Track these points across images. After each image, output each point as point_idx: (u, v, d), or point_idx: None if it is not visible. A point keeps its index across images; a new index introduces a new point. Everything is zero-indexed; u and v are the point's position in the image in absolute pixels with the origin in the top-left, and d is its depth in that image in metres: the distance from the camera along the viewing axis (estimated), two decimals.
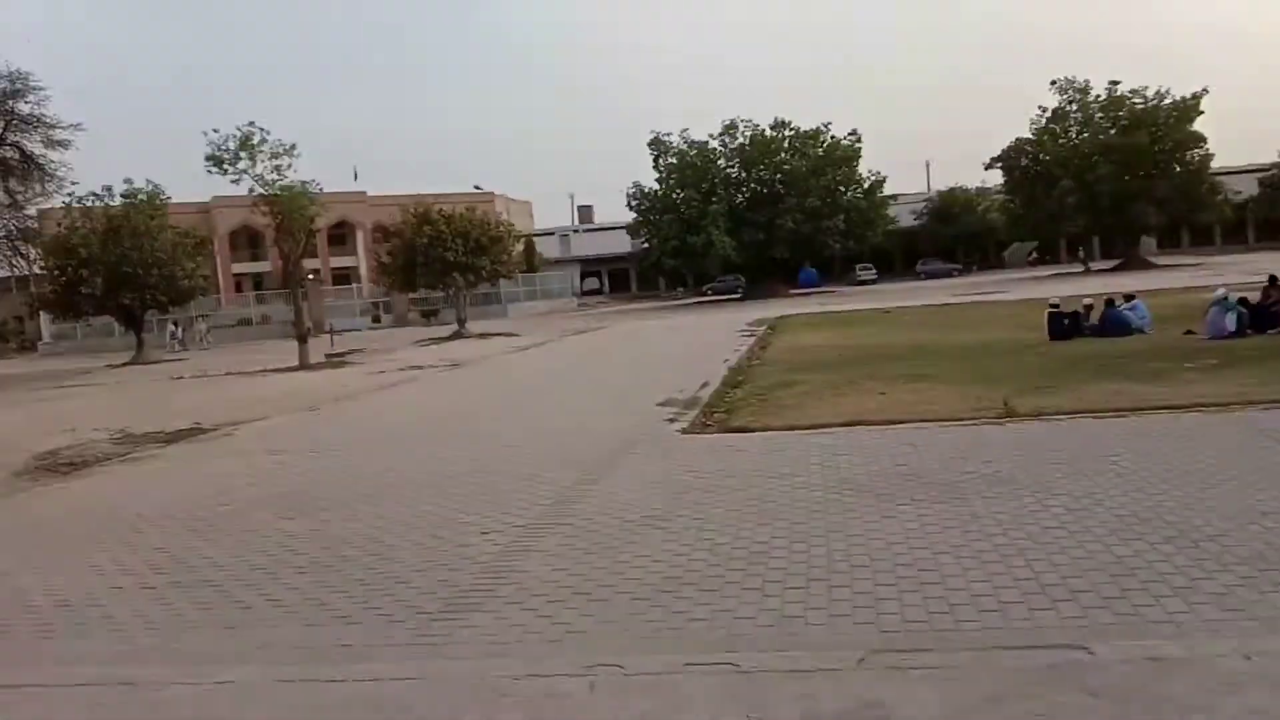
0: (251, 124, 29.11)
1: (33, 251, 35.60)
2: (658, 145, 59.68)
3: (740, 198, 59.71)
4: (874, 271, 68.86)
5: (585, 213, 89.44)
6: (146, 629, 5.68)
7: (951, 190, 74.96)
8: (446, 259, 39.50)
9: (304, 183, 30.29)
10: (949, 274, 67.44)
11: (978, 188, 72.25)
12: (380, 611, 5.64)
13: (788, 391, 13.49)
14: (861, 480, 7.84)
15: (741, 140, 60.22)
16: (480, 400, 15.76)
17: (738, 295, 62.99)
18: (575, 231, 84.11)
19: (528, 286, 62.17)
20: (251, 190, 29.84)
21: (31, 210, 35.43)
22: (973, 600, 4.98)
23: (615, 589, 5.67)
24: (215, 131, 28.72)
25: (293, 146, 29.56)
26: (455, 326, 41.43)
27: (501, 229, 41.43)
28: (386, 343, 39.79)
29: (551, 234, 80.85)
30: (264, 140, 29.00)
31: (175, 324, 48.66)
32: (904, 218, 69.86)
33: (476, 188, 69.28)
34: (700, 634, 4.89)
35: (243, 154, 28.96)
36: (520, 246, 49.89)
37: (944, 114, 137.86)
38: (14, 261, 35.74)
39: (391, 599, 5.84)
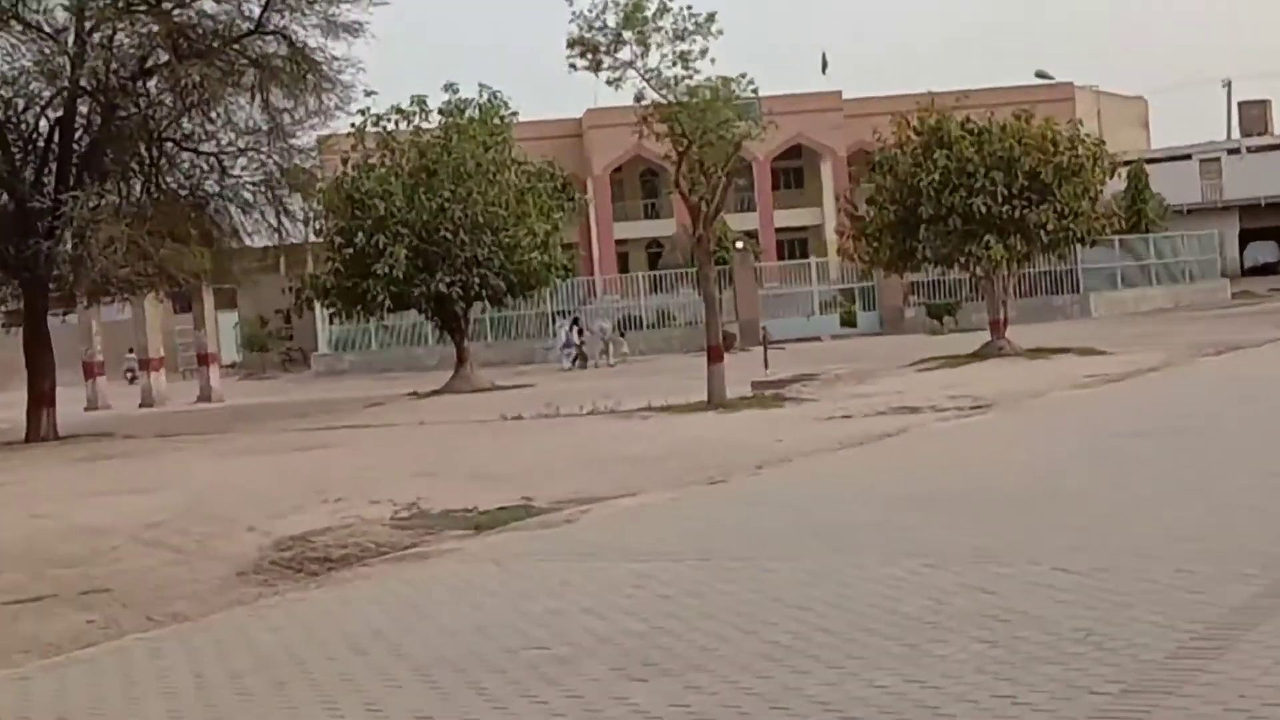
0: None
1: (303, 206, 27.62)
2: None
3: None
4: None
5: (1254, 116, 60.14)
6: None
7: None
8: (973, 209, 26.75)
9: (726, 80, 22.85)
10: None
11: None
12: None
13: None
14: None
15: None
16: (1016, 478, 11.76)
17: None
18: (1232, 152, 57.44)
19: (1128, 260, 43.82)
20: (641, 97, 23.69)
21: (304, 138, 26.71)
22: None
23: None
24: None
25: (711, 18, 22.53)
26: (986, 335, 29.08)
27: (1081, 150, 27.82)
28: (861, 362, 29.68)
29: (1186, 158, 55.30)
30: (664, 9, 22.50)
31: (575, 323, 36.48)
32: None
33: (1041, 76, 51.92)
34: None
35: (626, 33, 22.69)
36: (1119, 183, 36.80)
37: None
38: (279, 223, 26.88)
39: None
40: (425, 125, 28.32)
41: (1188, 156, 53.81)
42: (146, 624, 8.74)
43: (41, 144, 24.78)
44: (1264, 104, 59.07)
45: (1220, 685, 4.93)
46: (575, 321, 35.80)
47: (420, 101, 27.96)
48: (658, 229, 53.45)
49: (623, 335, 37.00)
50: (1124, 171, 38.40)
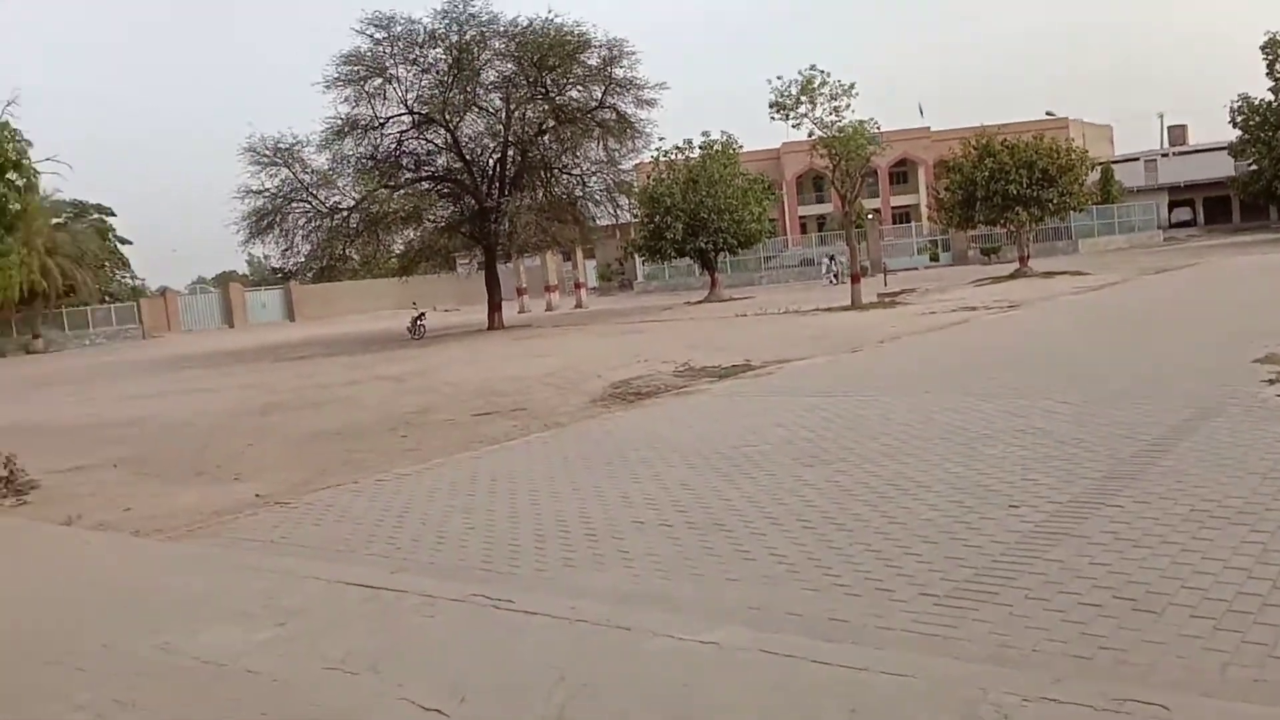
0: (813, 67, 29.48)
1: (626, 202, 38.50)
2: (1273, 48, 49.67)
3: None
4: None
5: (1177, 134, 79.00)
6: (655, 570, 5.69)
7: None
8: (1008, 192, 36.33)
9: (861, 122, 29.70)
10: None
11: None
12: (881, 585, 5.07)
13: None
14: None
15: None
16: (1035, 347, 14.28)
17: None
18: (1163, 156, 74.10)
19: (1103, 220, 56.17)
20: (811, 134, 30.10)
21: (626, 165, 37.86)
22: None
23: (1171, 599, 4.49)
24: (779, 78, 29.37)
25: (851, 86, 29.30)
26: (1016, 265, 38.43)
27: (1072, 157, 37.19)
28: (941, 281, 37.85)
29: (1135, 160, 72.33)
30: (824, 82, 29.07)
31: (830, 257, 47.93)
32: None
33: (1049, 113, 64.28)
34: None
35: (803, 98, 29.28)
36: (1095, 175, 44.87)
37: None
38: (614, 211, 38.37)
39: (896, 572, 5.25)
40: (690, 155, 40.04)
41: (1137, 159, 71.95)
42: (544, 427, 10.74)
43: (491, 172, 34.96)
44: (1183, 126, 78.37)
45: (1166, 474, 6.24)
46: (832, 258, 48.44)
47: (687, 142, 40.42)
48: (823, 209, 74.34)
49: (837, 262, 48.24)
50: (1098, 169, 52.27)
